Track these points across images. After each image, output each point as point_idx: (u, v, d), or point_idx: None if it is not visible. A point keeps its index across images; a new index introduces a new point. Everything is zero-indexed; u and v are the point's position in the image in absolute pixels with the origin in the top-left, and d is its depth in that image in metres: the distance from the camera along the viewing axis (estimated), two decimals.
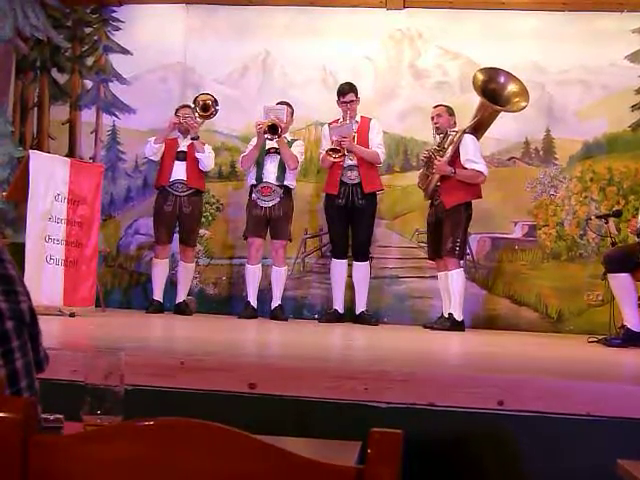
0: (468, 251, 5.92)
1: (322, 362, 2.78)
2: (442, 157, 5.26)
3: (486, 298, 6.02)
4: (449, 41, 6.29)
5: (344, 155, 5.39)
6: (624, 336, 4.35)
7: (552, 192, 6.10)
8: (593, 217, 5.63)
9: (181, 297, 5.66)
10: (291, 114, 5.64)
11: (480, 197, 5.35)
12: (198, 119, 5.61)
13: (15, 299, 0.93)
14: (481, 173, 5.19)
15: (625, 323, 4.39)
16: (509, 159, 6.20)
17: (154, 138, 5.63)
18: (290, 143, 5.62)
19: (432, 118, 5.43)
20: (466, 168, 5.20)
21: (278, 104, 5.58)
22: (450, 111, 5.45)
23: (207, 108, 5.61)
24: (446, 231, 5.19)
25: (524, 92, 5.34)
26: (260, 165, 5.57)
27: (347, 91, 5.52)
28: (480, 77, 5.36)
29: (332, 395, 2.20)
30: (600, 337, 4.55)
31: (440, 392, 2.20)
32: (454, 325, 5.09)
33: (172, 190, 5.57)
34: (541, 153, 6.18)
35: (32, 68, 6.59)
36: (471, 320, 5.34)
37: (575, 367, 3.21)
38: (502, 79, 5.42)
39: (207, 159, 5.64)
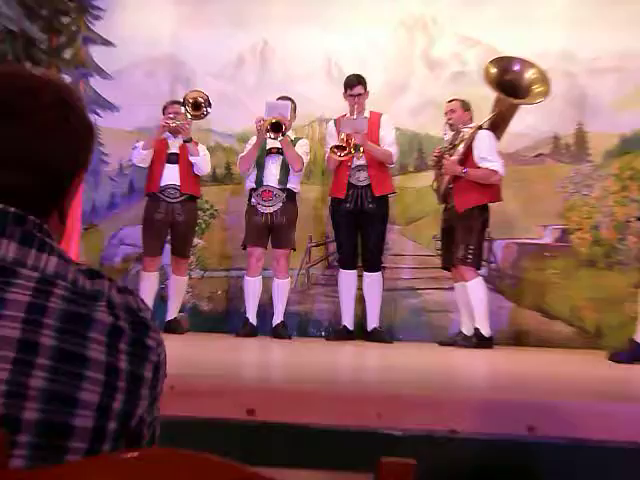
0: (492, 259, 5.91)
1: (330, 385, 2.76)
2: (453, 156, 5.26)
3: (513, 311, 5.99)
4: (467, 27, 6.29)
5: (350, 153, 5.38)
6: (633, 351, 4.27)
7: (586, 192, 6.07)
8: (633, 219, 5.60)
9: (172, 314, 5.66)
10: (294, 110, 5.66)
11: (498, 199, 5.33)
12: (188, 118, 5.57)
13: (134, 401, 0.93)
14: (495, 172, 5.17)
15: (636, 337, 4.30)
16: (536, 156, 6.18)
17: (142, 143, 5.62)
18: (294, 142, 5.62)
19: (445, 113, 5.46)
20: (480, 167, 5.19)
21: (279, 99, 5.58)
22: (466, 106, 5.46)
23: (198, 106, 5.56)
24: (458, 238, 5.19)
25: (544, 80, 5.32)
26: (260, 167, 5.57)
27: (355, 83, 5.52)
28: (492, 70, 5.35)
29: (341, 422, 2.18)
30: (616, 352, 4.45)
31: (462, 417, 2.18)
32: (481, 341, 5.07)
33: (163, 196, 5.57)
34: (572, 149, 6.16)
35: (3, 62, 6.62)
36: (497, 336, 5.31)
37: (616, 387, 3.17)
38: (517, 67, 5.42)
39: (203, 162, 5.64)
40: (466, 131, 5.31)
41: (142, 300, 0.98)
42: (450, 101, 5.50)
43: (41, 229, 0.95)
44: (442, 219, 5.47)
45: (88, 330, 0.89)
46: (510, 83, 5.34)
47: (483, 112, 5.43)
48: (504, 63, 5.42)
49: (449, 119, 5.42)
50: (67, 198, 1.02)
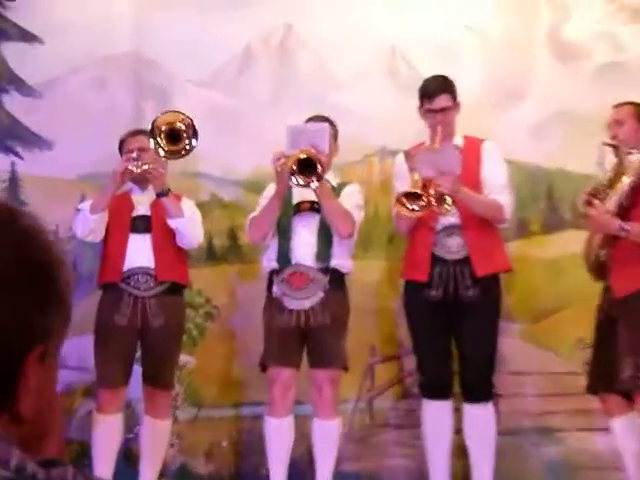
0: None
1: None
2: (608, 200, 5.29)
3: None
4: None
5: (433, 206, 5.46)
6: None
7: None
8: None
9: None
10: (335, 138, 5.79)
11: None
12: (162, 158, 5.62)
13: None
14: None
15: None
16: None
17: (89, 203, 5.74)
18: (338, 189, 5.77)
19: (608, 127, 5.51)
20: None
21: (310, 121, 5.76)
22: None
23: (177, 137, 5.55)
24: (622, 342, 5.23)
25: None
26: (285, 233, 5.71)
27: (438, 91, 5.68)
28: None
29: None
30: None
31: None
32: None
33: (129, 288, 5.73)
34: None
35: None
36: None
37: None
38: None
39: (189, 228, 5.78)
40: (636, 159, 5.37)
41: None
42: (617, 106, 5.54)
43: None
44: (597, 308, 5.52)
45: None
46: None
47: None
48: None
49: (613, 137, 5.46)
50: (21, 388, 1.16)
